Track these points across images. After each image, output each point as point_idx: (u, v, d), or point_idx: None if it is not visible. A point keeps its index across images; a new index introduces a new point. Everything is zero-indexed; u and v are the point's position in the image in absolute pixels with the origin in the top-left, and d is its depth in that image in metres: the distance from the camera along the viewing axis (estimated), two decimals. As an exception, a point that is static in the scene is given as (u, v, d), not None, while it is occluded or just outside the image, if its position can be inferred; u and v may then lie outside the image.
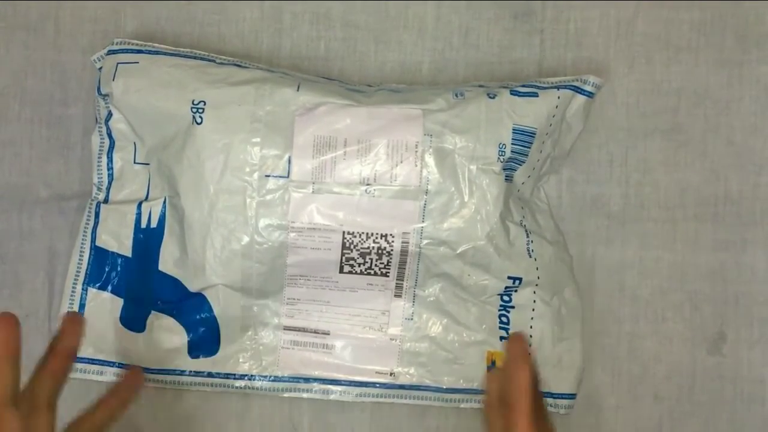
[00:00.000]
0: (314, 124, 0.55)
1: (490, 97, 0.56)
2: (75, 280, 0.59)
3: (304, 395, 0.59)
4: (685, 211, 0.62)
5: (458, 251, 0.56)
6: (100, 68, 0.58)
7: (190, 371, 0.59)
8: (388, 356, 0.59)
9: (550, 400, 0.58)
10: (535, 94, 0.56)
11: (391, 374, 0.59)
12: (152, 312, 0.59)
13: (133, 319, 0.59)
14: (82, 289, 0.59)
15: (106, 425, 0.49)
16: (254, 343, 0.59)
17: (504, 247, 0.56)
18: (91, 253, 0.59)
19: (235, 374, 0.59)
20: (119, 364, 0.59)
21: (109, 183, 0.60)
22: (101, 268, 0.59)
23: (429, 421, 0.60)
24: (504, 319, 0.58)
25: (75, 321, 0.48)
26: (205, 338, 0.59)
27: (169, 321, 0.59)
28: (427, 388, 0.59)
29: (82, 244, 0.60)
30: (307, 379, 0.59)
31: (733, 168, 0.62)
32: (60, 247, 0.61)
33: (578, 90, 0.57)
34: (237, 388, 0.59)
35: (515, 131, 0.55)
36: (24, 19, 0.63)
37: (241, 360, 0.59)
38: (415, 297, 0.59)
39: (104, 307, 0.59)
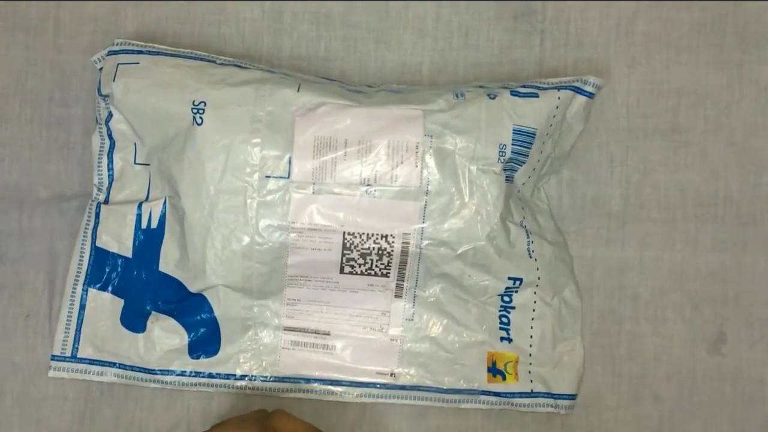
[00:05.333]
0: (315, 125, 0.55)
1: (491, 98, 0.56)
2: (75, 280, 0.59)
3: (305, 395, 0.59)
4: (685, 211, 0.62)
5: (459, 252, 0.56)
6: (101, 69, 0.58)
7: (191, 371, 0.59)
8: (389, 357, 0.59)
9: (550, 401, 0.58)
10: (536, 95, 0.56)
11: (391, 375, 0.59)
12: (153, 312, 0.59)
13: (134, 320, 0.59)
14: (83, 289, 0.59)
15: None
16: (255, 344, 0.59)
17: (504, 248, 0.56)
18: (91, 253, 0.59)
19: (235, 374, 0.59)
20: (120, 364, 0.59)
21: (110, 183, 0.60)
22: (102, 268, 0.59)
23: (429, 421, 0.60)
24: (504, 320, 0.59)
25: None
26: (206, 339, 0.59)
27: (169, 321, 0.59)
28: (427, 389, 0.59)
29: (83, 244, 0.60)
30: (307, 380, 0.59)
31: (733, 168, 0.62)
32: (60, 248, 0.61)
33: (578, 90, 0.57)
34: (237, 388, 0.59)
35: (515, 132, 0.55)
36: (24, 19, 0.63)
37: (241, 360, 0.59)
38: (416, 297, 0.59)
39: (105, 308, 0.59)
